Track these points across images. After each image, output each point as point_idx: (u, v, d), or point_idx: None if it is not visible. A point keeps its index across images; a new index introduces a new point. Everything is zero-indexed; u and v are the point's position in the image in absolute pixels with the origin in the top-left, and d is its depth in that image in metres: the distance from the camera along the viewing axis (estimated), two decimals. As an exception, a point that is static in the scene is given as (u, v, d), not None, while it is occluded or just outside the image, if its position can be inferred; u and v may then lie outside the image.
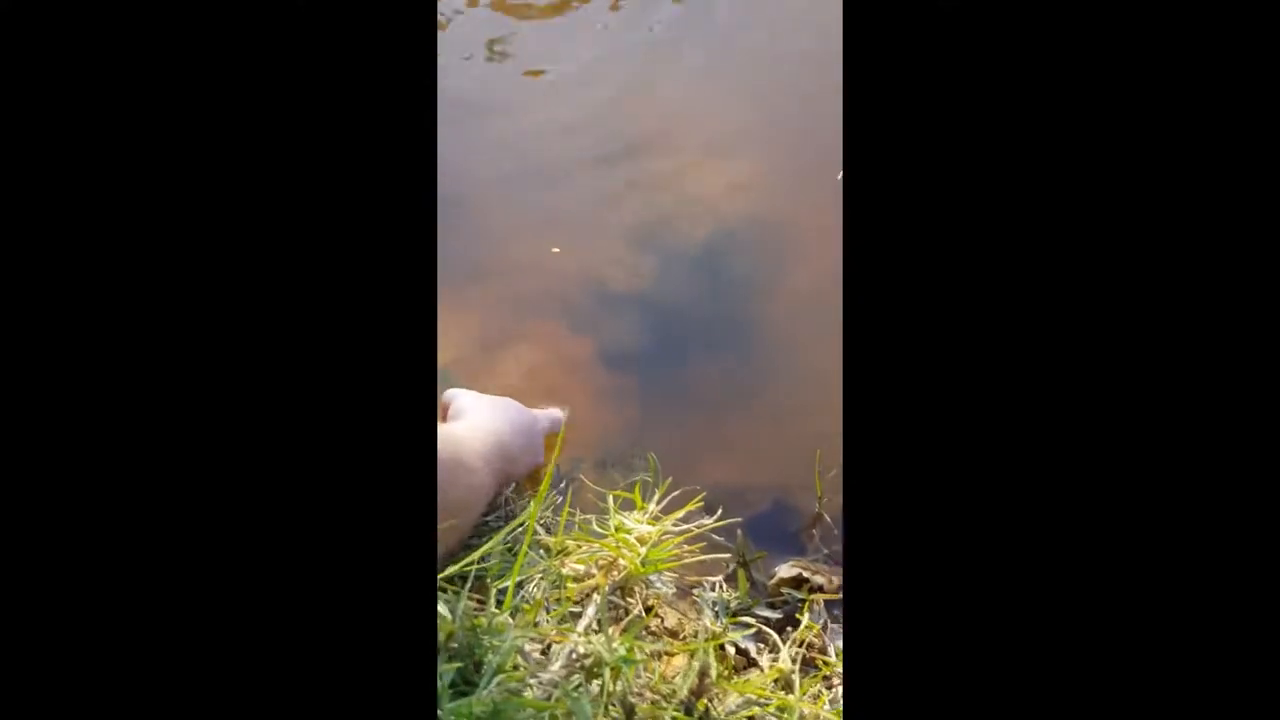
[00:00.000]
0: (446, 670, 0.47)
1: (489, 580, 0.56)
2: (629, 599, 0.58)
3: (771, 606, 0.66)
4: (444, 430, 0.59)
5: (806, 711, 0.53)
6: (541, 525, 0.62)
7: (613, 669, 0.51)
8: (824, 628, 0.62)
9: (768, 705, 0.54)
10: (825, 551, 0.69)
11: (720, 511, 0.62)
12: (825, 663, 0.59)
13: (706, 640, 0.57)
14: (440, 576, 0.54)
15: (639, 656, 0.52)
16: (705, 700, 0.51)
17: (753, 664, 0.64)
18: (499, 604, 0.53)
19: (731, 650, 0.60)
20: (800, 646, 0.60)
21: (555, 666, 0.51)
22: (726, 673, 0.56)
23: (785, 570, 0.67)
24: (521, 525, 0.59)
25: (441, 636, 0.49)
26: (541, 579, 0.56)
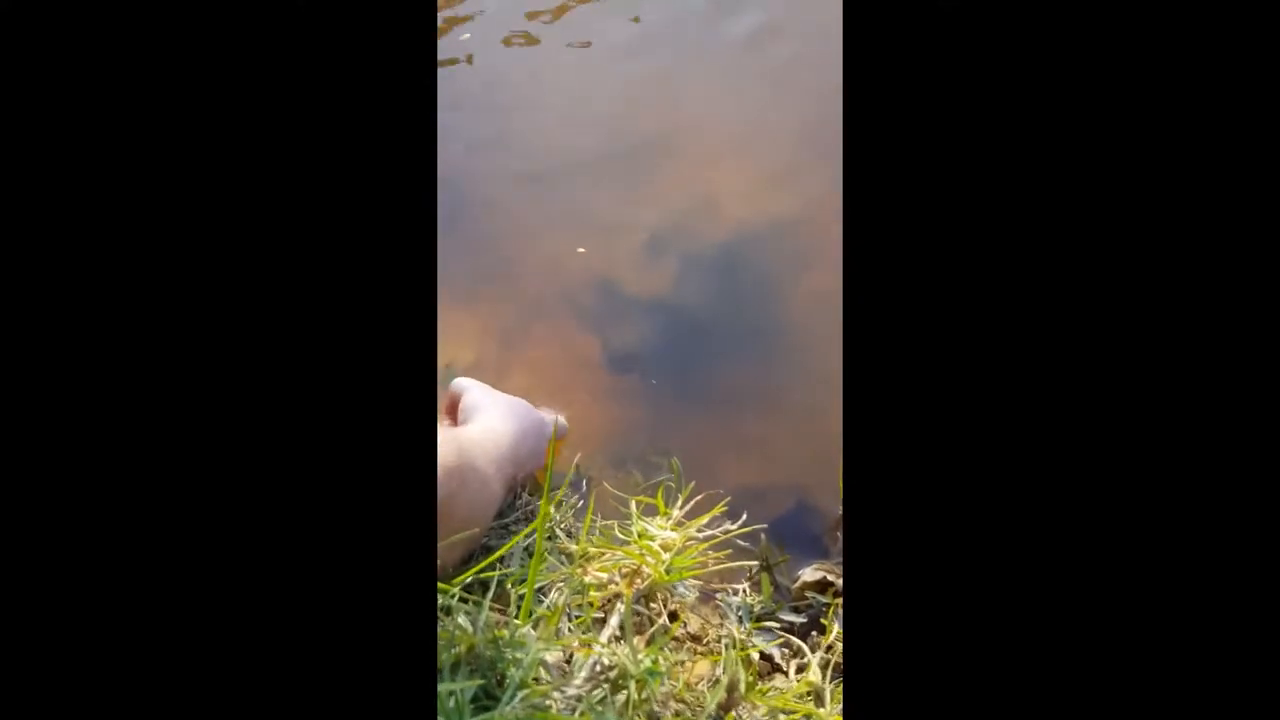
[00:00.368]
0: (468, 686, 0.46)
1: (510, 585, 0.54)
2: (652, 606, 0.57)
3: (796, 611, 0.64)
4: (456, 435, 0.57)
5: (836, 723, 0.52)
6: (563, 530, 0.61)
7: (638, 681, 0.49)
8: (850, 633, 0.61)
9: (794, 715, 0.53)
10: (850, 554, 0.68)
11: (745, 517, 0.61)
12: (853, 670, 0.58)
13: (731, 648, 0.56)
14: (459, 585, 0.53)
15: (664, 667, 0.51)
16: (734, 714, 0.50)
17: (777, 669, 0.63)
18: (519, 612, 0.52)
19: (756, 656, 0.59)
20: (828, 652, 0.59)
21: (579, 679, 0.50)
22: (752, 679, 0.55)
23: (809, 574, 0.65)
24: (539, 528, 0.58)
25: (462, 649, 0.48)
26: (564, 587, 0.54)
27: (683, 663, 0.55)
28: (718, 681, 0.56)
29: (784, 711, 0.53)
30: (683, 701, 0.53)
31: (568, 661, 0.53)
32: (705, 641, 0.61)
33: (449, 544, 0.52)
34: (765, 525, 0.64)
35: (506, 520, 0.62)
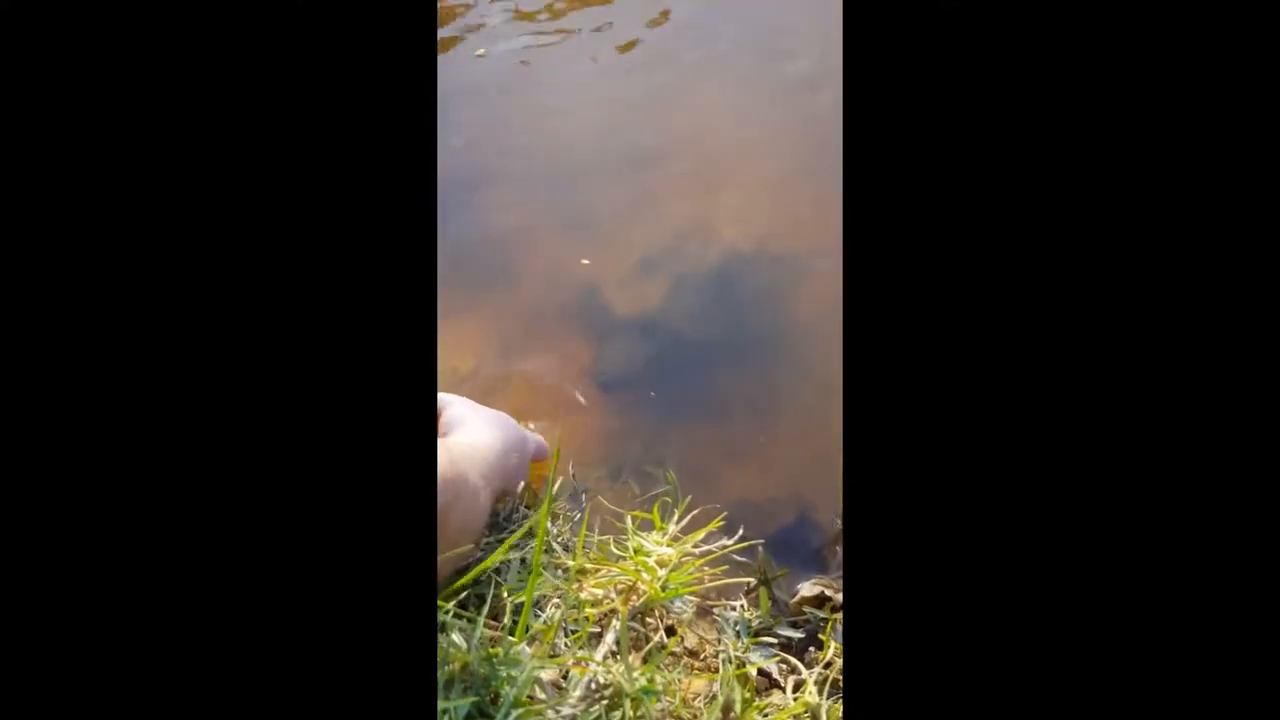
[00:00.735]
0: (462, 704, 0.46)
1: (505, 594, 0.54)
2: (648, 623, 0.57)
3: (794, 626, 0.64)
4: (446, 445, 0.56)
5: (833, 741, 0.51)
6: (559, 544, 0.61)
7: (633, 699, 0.49)
8: (848, 649, 0.61)
9: (792, 733, 0.53)
10: (849, 569, 0.67)
11: (741, 532, 0.60)
12: (851, 687, 0.57)
13: (728, 666, 0.55)
14: (452, 600, 0.52)
15: (659, 684, 0.50)
16: (730, 733, 0.50)
17: (775, 685, 0.62)
18: (514, 626, 0.51)
19: (753, 672, 0.59)
20: (826, 669, 0.58)
21: (574, 697, 0.49)
22: (749, 697, 0.54)
23: (807, 589, 0.65)
24: (532, 537, 0.58)
25: (456, 667, 0.48)
26: (560, 603, 0.54)
27: (679, 680, 0.55)
28: (714, 699, 0.55)
29: (781, 729, 0.52)
30: (678, 718, 0.53)
31: (563, 679, 0.52)
32: (702, 657, 0.61)
33: (441, 560, 0.52)
34: (763, 540, 0.63)
35: (502, 535, 0.62)
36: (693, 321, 0.81)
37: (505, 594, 0.54)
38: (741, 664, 0.56)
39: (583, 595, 0.55)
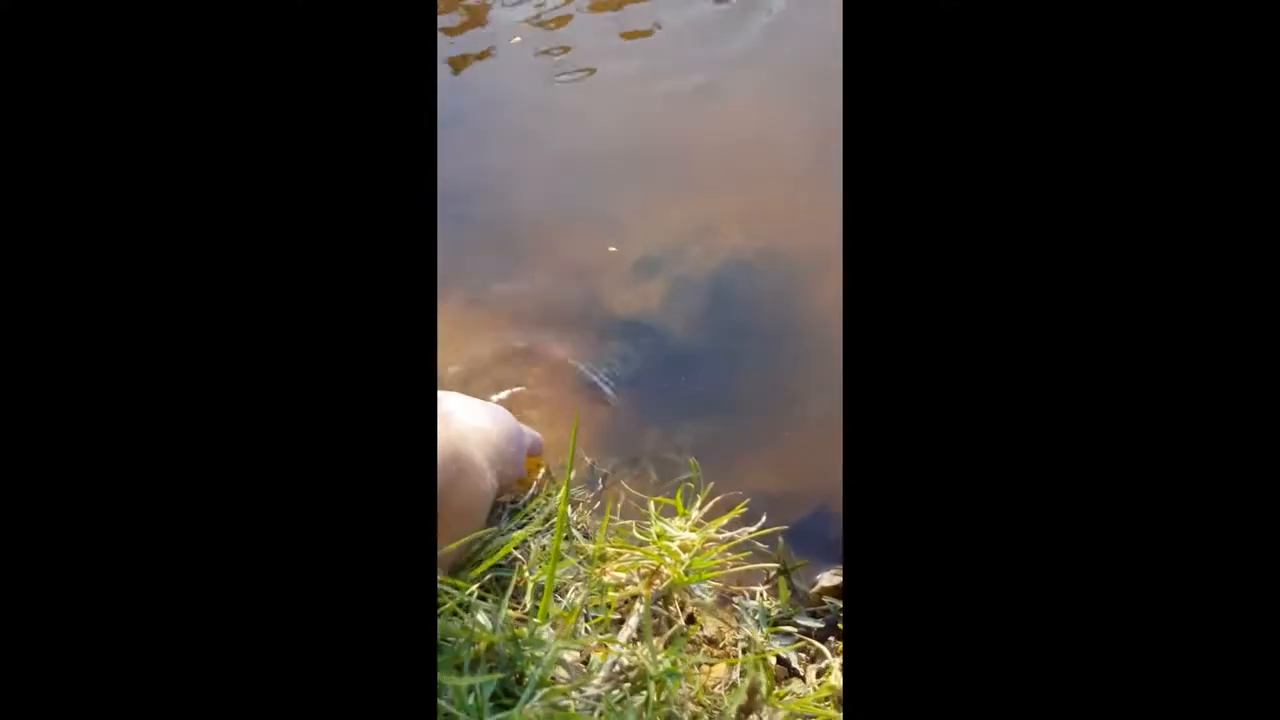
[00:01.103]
0: (488, 680, 0.45)
1: (525, 574, 0.54)
2: (670, 608, 0.57)
3: (814, 616, 0.64)
4: (446, 422, 0.55)
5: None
6: (579, 530, 0.61)
7: (657, 682, 0.49)
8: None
9: (814, 720, 0.52)
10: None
11: (764, 519, 0.60)
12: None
13: (750, 652, 0.55)
14: (475, 582, 0.52)
15: (682, 669, 0.50)
16: (756, 716, 0.49)
17: (794, 674, 0.62)
18: (536, 609, 0.51)
19: (773, 661, 0.59)
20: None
21: (598, 679, 0.49)
22: (770, 684, 0.54)
23: (827, 579, 0.65)
24: (551, 524, 0.57)
25: (481, 647, 0.48)
26: (581, 587, 0.54)
27: (700, 665, 0.55)
28: (734, 685, 0.55)
29: (804, 716, 0.52)
30: (700, 704, 0.53)
31: (584, 662, 0.52)
32: (722, 645, 0.61)
33: (447, 549, 0.52)
34: (786, 527, 0.63)
35: (523, 522, 0.62)
36: (708, 315, 0.81)
37: (526, 573, 0.54)
38: (762, 652, 0.56)
39: (605, 579, 0.55)
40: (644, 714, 0.48)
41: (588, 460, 0.71)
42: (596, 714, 0.47)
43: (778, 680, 0.58)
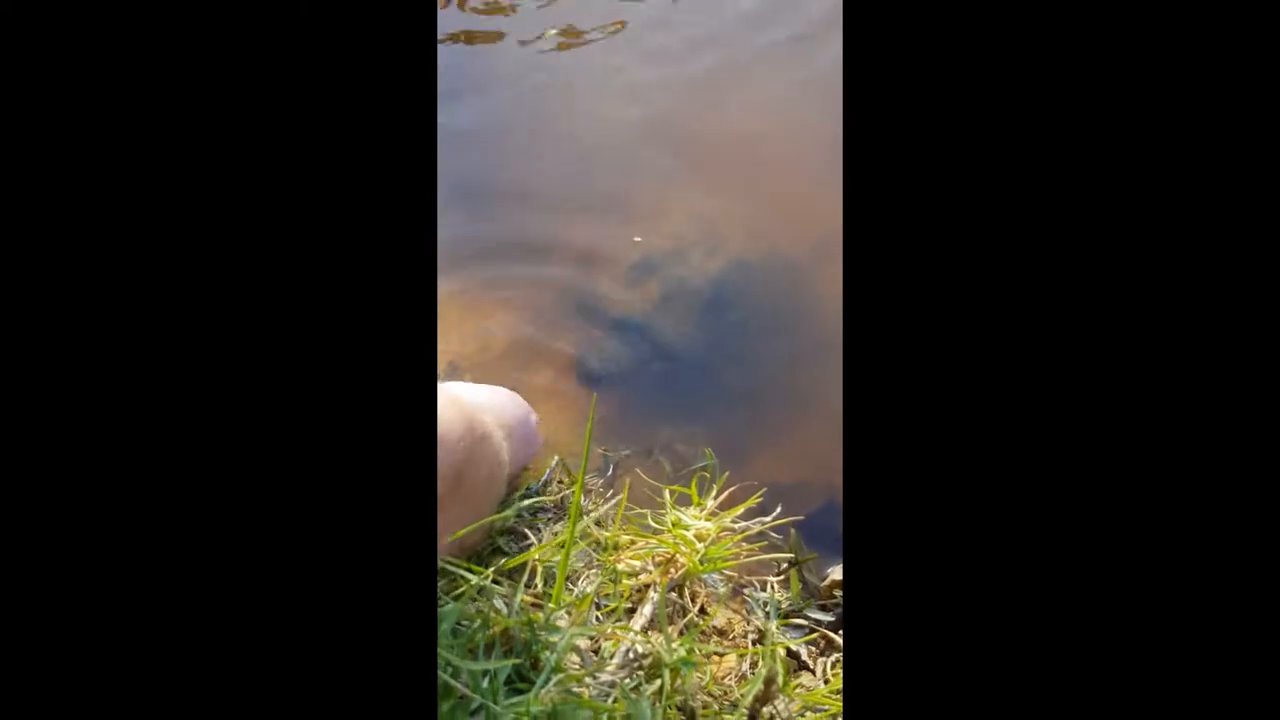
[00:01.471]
0: (504, 665, 0.45)
1: (536, 561, 0.53)
2: (683, 598, 0.56)
3: (824, 609, 0.64)
4: (458, 395, 0.54)
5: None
6: (593, 520, 0.60)
7: (671, 670, 0.49)
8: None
9: (827, 712, 0.52)
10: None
11: (780, 509, 0.60)
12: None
13: (763, 644, 0.55)
14: (494, 569, 0.52)
15: (697, 658, 0.50)
16: (770, 708, 0.49)
17: (804, 667, 0.62)
18: (550, 598, 0.51)
19: (783, 653, 0.58)
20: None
21: (612, 666, 0.49)
22: (785, 676, 0.54)
23: (838, 572, 0.65)
24: (565, 511, 0.57)
25: (496, 631, 0.48)
26: (596, 575, 0.54)
27: (711, 655, 0.55)
28: (745, 677, 0.55)
29: (817, 707, 0.52)
30: (710, 695, 0.53)
31: (595, 650, 0.52)
32: (732, 636, 0.60)
33: (469, 529, 0.51)
34: (801, 517, 0.63)
35: (535, 508, 0.62)
36: (716, 310, 0.81)
37: (536, 556, 0.54)
38: (775, 643, 0.56)
39: (619, 567, 0.55)
40: (658, 702, 0.48)
41: (600, 450, 0.71)
42: (611, 700, 0.47)
43: (788, 672, 0.58)
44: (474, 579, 0.49)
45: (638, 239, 0.84)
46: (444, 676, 0.43)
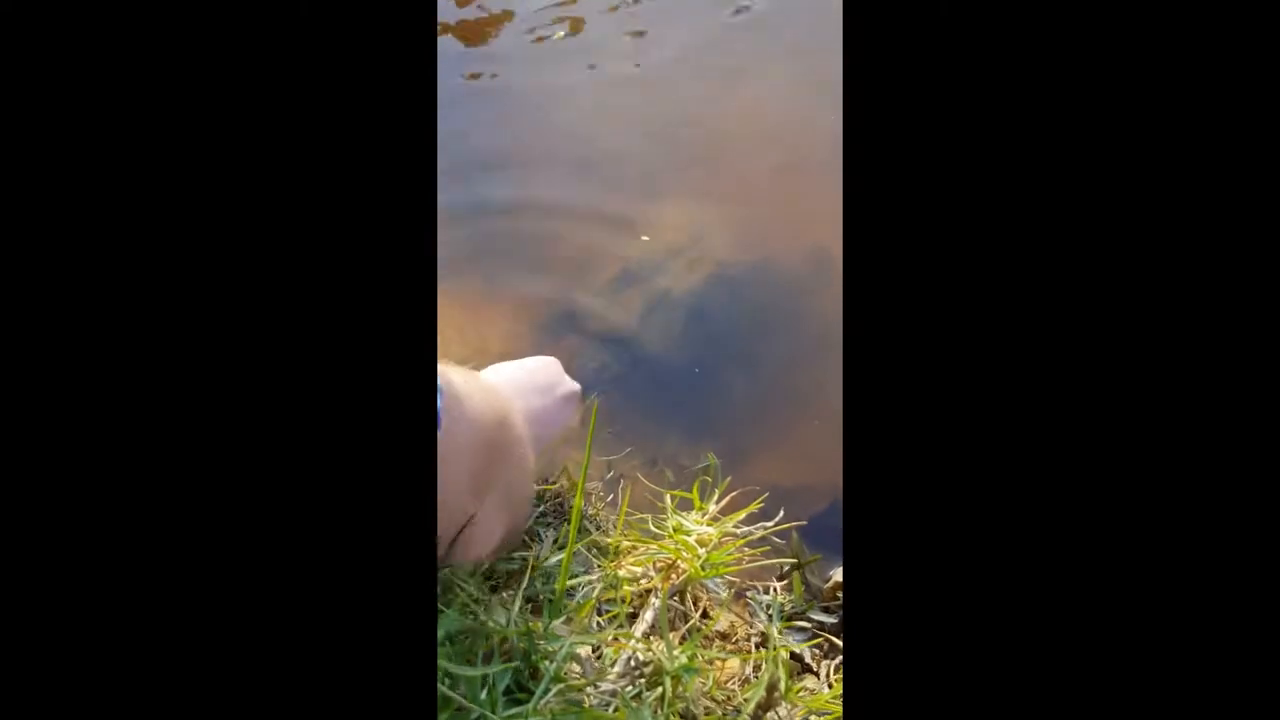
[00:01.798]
0: (502, 670, 0.45)
1: (535, 566, 0.53)
2: (685, 603, 0.56)
3: (827, 611, 0.63)
4: (477, 381, 0.49)
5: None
6: (593, 525, 0.60)
7: (673, 677, 0.48)
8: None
9: (831, 717, 0.52)
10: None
11: (782, 514, 0.60)
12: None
13: (765, 649, 0.55)
14: (494, 576, 0.52)
15: (698, 664, 0.49)
16: (773, 713, 0.49)
17: (807, 670, 0.62)
18: (550, 606, 0.51)
19: (786, 656, 0.58)
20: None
21: (614, 674, 0.49)
22: (788, 681, 0.54)
23: (841, 574, 0.64)
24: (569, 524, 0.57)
25: (496, 640, 0.47)
26: (597, 581, 0.53)
27: (713, 660, 0.54)
28: (748, 681, 0.54)
29: (822, 712, 0.51)
30: (714, 700, 0.52)
31: (597, 656, 0.52)
32: (734, 640, 0.60)
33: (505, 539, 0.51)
34: (804, 521, 0.63)
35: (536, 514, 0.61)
36: (723, 312, 0.81)
37: (535, 566, 0.53)
38: (778, 647, 0.56)
39: (620, 573, 0.54)
40: (659, 710, 0.48)
41: (601, 459, 0.70)
42: (612, 709, 0.46)
43: (790, 676, 0.58)
44: (470, 588, 0.48)
45: (645, 238, 0.83)
46: (442, 687, 0.43)
